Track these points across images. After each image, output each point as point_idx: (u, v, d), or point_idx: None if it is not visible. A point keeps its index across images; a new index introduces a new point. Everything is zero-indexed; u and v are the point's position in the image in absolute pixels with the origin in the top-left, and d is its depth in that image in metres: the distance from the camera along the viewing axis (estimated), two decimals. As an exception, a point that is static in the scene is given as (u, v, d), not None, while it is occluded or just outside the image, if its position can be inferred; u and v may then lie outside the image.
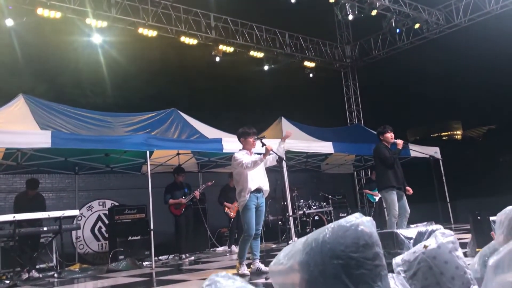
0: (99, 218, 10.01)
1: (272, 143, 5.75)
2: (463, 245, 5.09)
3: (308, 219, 10.58)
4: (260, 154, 5.26)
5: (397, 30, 13.06)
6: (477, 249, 4.68)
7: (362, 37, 15.52)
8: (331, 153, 10.52)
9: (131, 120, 8.69)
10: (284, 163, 6.66)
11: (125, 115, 8.94)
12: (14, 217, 6.35)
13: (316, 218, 10.65)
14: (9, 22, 9.15)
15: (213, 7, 12.29)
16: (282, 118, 10.95)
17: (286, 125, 10.65)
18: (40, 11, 9.25)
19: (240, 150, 5.48)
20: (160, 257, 8.36)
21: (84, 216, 9.84)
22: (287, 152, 9.15)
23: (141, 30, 10.65)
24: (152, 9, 10.76)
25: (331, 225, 1.83)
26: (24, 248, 6.85)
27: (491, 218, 4.67)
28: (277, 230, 10.45)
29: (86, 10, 9.72)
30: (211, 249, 9.48)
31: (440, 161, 11.97)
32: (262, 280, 4.62)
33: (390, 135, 6.55)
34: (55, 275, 6.81)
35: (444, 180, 11.76)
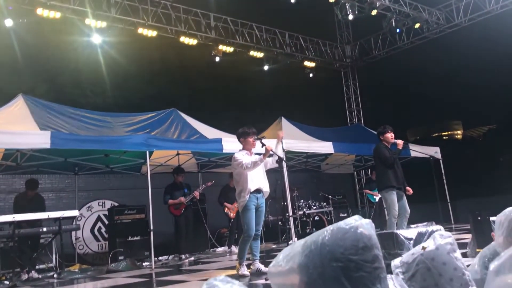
0: (98, 219, 10.01)
1: (272, 143, 5.75)
2: (463, 245, 5.10)
3: (308, 219, 10.57)
4: (260, 154, 5.26)
5: (397, 30, 13.05)
6: (477, 250, 4.68)
7: (362, 37, 15.52)
8: (331, 153, 10.52)
9: (131, 120, 8.68)
10: (284, 163, 6.65)
11: (125, 115, 8.94)
12: (13, 217, 6.34)
13: (316, 218, 10.64)
14: (9, 23, 9.14)
15: (213, 7, 12.31)
16: (282, 118, 10.94)
17: (286, 125, 10.65)
18: (40, 11, 9.24)
19: (240, 150, 5.47)
20: (160, 258, 8.35)
21: (84, 217, 9.84)
22: (287, 152, 9.14)
23: (140, 30, 10.64)
24: (152, 9, 10.75)
25: (330, 227, 1.82)
26: (23, 249, 6.85)
27: (492, 218, 4.66)
28: (277, 230, 10.45)
29: (86, 10, 9.72)
30: (211, 250, 9.48)
31: (440, 161, 11.97)
32: (262, 281, 4.61)
33: (390, 135, 6.55)
34: (55, 275, 6.82)
35: (445, 180, 11.76)
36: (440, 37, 14.02)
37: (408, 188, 6.47)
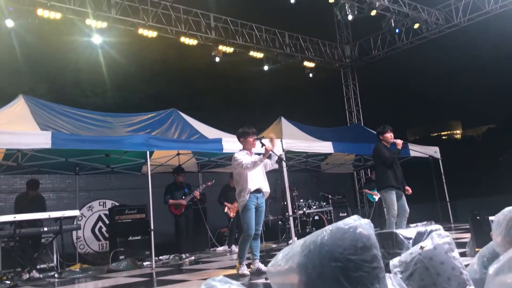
0: (99, 218, 10.03)
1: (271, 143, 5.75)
2: (462, 245, 5.13)
3: (308, 219, 10.60)
4: (260, 154, 5.28)
5: (397, 30, 13.07)
6: (476, 249, 4.71)
7: (361, 37, 15.54)
8: (331, 153, 10.53)
9: (131, 121, 8.70)
10: (284, 163, 6.67)
11: (125, 116, 8.95)
12: (14, 217, 6.36)
13: (316, 218, 10.67)
14: (10, 23, 9.16)
15: (213, 8, 12.33)
16: (282, 118, 10.96)
17: (286, 125, 10.67)
18: (40, 12, 9.26)
19: (240, 150, 5.49)
20: (161, 257, 8.37)
21: (85, 216, 9.86)
22: (287, 152, 9.17)
23: (141, 31, 10.66)
24: (152, 9, 10.77)
25: (329, 227, 1.84)
26: (24, 249, 6.87)
27: (491, 218, 4.68)
28: (277, 230, 10.46)
29: (86, 10, 9.74)
30: (211, 249, 9.50)
31: (440, 160, 11.99)
32: (262, 280, 4.63)
33: (389, 135, 6.56)
34: (56, 275, 6.83)
35: (444, 180, 11.78)
36: (439, 37, 14.04)
37: (407, 187, 6.49)
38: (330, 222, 10.18)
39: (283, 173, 7.67)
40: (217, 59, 12.18)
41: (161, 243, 8.32)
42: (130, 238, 8.02)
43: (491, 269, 1.76)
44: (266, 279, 4.55)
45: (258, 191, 5.31)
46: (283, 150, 8.81)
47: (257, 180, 5.29)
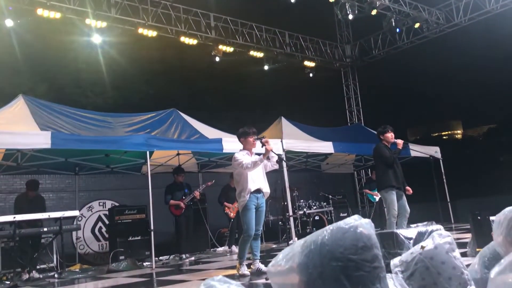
0: (99, 219, 10.02)
1: (271, 143, 5.74)
2: (463, 245, 5.11)
3: (308, 219, 10.58)
4: (260, 154, 5.27)
5: (397, 30, 13.07)
6: (477, 249, 4.69)
7: (362, 37, 15.53)
8: (331, 153, 10.52)
9: (131, 121, 8.69)
10: (284, 163, 6.66)
11: (125, 116, 8.95)
12: (14, 217, 6.35)
13: (317, 218, 10.65)
14: (9, 23, 9.16)
15: (213, 7, 12.33)
16: (282, 118, 10.94)
17: (286, 125, 10.66)
18: (40, 11, 9.25)
19: (240, 150, 5.48)
20: (161, 258, 8.36)
21: (85, 217, 9.85)
22: (287, 152, 9.15)
23: (141, 30, 10.65)
24: (152, 9, 10.76)
25: (329, 227, 1.83)
26: (24, 249, 6.86)
27: (491, 218, 4.66)
28: (277, 230, 10.45)
29: (86, 10, 9.73)
30: (212, 249, 9.49)
31: (441, 160, 11.97)
32: (263, 281, 4.62)
33: (390, 135, 6.55)
34: (56, 275, 6.82)
35: (445, 180, 11.76)
36: (440, 37, 14.03)
37: (408, 187, 6.48)
38: (330, 222, 10.16)
39: (283, 173, 7.66)
40: (217, 59, 12.17)
41: (161, 243, 8.31)
42: (130, 238, 8.00)
43: (493, 273, 1.75)
44: (267, 279, 4.53)
45: (258, 191, 5.30)
46: (283, 150, 8.80)
47: (257, 180, 5.28)
